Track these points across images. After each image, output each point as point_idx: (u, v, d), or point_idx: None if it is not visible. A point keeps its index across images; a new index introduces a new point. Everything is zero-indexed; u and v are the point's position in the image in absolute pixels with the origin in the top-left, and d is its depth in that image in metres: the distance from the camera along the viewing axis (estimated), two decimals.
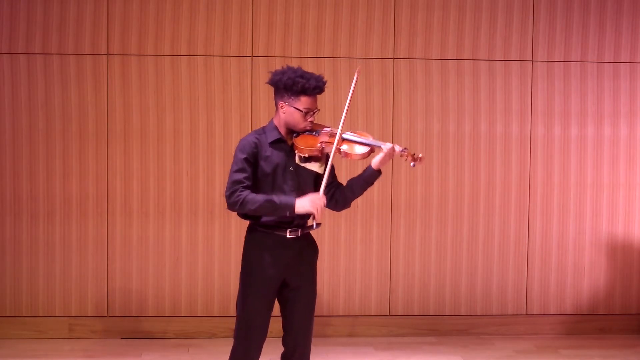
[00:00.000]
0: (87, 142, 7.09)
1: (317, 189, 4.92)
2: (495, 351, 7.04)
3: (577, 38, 7.33)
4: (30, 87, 7.05)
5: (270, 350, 5.49)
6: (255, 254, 4.94)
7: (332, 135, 4.89)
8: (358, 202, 7.04)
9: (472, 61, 7.29)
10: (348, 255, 7.29)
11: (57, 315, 7.15)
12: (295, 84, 4.83)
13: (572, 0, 7.31)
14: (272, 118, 5.00)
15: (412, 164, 4.86)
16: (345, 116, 4.89)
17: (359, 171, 5.00)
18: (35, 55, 7.04)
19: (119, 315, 7.18)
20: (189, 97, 7.14)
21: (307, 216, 4.94)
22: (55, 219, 7.09)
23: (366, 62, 7.21)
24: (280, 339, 5.10)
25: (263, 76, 7.01)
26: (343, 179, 5.11)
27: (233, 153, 6.69)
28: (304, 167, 4.92)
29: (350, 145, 4.90)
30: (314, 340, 5.19)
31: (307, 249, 5.02)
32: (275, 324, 5.11)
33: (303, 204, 4.81)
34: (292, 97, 4.87)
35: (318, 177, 4.94)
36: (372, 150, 4.89)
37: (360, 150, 4.88)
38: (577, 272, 7.45)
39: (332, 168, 5.01)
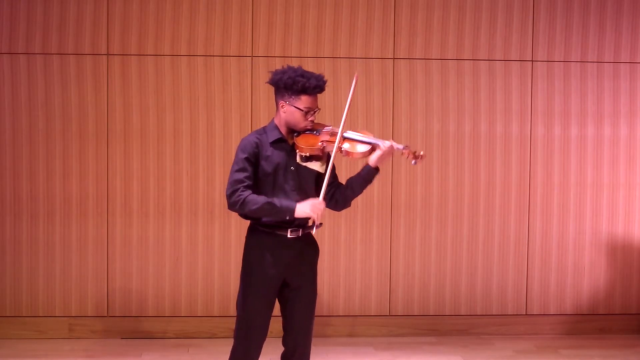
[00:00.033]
0: (87, 142, 7.09)
1: (318, 188, 4.92)
2: (495, 351, 7.04)
3: (577, 38, 7.33)
4: (30, 87, 7.05)
5: (270, 350, 5.49)
6: (256, 253, 4.94)
7: (333, 134, 4.89)
8: (358, 202, 7.05)
9: (472, 61, 7.29)
10: (348, 255, 7.29)
11: (57, 315, 7.15)
12: (295, 83, 4.83)
13: (572, 0, 7.31)
14: (273, 118, 5.00)
15: (413, 161, 4.86)
16: (346, 116, 4.89)
17: (359, 169, 5.00)
18: (35, 55, 7.04)
19: (119, 315, 7.18)
20: (189, 97, 7.14)
21: (308, 219, 4.94)
22: (55, 219, 7.09)
23: (366, 62, 7.21)
24: (280, 339, 5.10)
25: (263, 76, 7.01)
26: (343, 178, 5.11)
27: (233, 153, 6.70)
28: (305, 167, 4.92)
29: (351, 143, 4.90)
30: (314, 340, 5.20)
31: (308, 249, 5.02)
32: (276, 324, 5.11)
33: (303, 208, 4.82)
34: (293, 97, 4.87)
35: (319, 176, 4.94)
36: (374, 148, 4.89)
37: (362, 148, 4.88)
38: (577, 272, 7.45)
39: (333, 168, 5.01)
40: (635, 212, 7.45)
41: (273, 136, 4.94)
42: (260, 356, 5.05)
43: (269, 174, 4.90)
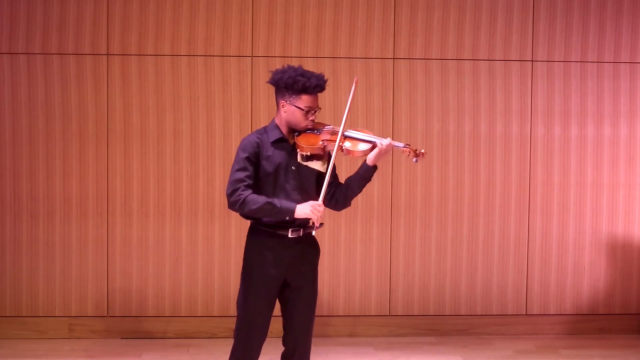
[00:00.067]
0: (87, 142, 7.09)
1: (319, 188, 4.92)
2: (495, 351, 7.04)
3: (577, 38, 7.33)
4: (30, 87, 7.05)
5: (271, 350, 5.49)
6: (256, 253, 4.94)
7: (334, 133, 4.89)
8: (358, 202, 7.05)
9: (472, 61, 7.29)
10: (348, 255, 7.29)
11: (57, 315, 7.15)
12: (296, 82, 4.83)
13: (572, 0, 7.31)
14: (274, 118, 5.00)
15: (414, 159, 4.87)
16: (346, 115, 4.89)
17: (358, 167, 5.00)
18: (35, 55, 7.04)
19: (119, 315, 7.18)
20: (189, 97, 7.14)
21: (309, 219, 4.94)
22: (55, 219, 7.09)
23: (366, 62, 7.21)
24: (281, 338, 5.10)
25: (263, 76, 7.02)
26: (342, 177, 5.11)
27: (233, 153, 6.70)
28: (306, 166, 4.92)
29: (352, 142, 4.90)
30: (314, 340, 5.20)
31: (309, 249, 5.02)
32: (275, 324, 5.11)
33: (303, 209, 4.82)
34: (293, 96, 4.87)
35: (320, 175, 4.94)
36: (375, 146, 4.89)
37: (363, 147, 4.89)
38: (577, 272, 7.45)
39: (334, 167, 5.00)
40: (635, 212, 7.45)
41: (274, 136, 4.93)
42: (260, 356, 5.05)
43: (270, 173, 4.89)
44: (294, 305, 5.01)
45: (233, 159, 4.98)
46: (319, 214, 4.82)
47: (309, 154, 4.90)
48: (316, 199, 4.89)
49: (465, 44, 7.28)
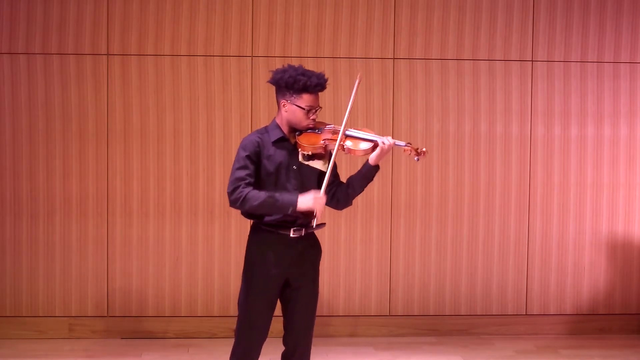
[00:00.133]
0: (87, 142, 7.09)
1: (320, 188, 4.91)
2: (495, 351, 7.04)
3: (577, 38, 7.34)
4: (30, 87, 7.05)
5: (271, 350, 5.49)
6: (258, 253, 4.94)
7: (335, 132, 4.89)
8: (358, 202, 7.05)
9: (472, 61, 7.29)
10: (348, 255, 7.29)
11: (57, 315, 7.15)
12: (296, 81, 4.83)
13: (572, 0, 7.32)
14: (274, 117, 5.00)
15: (416, 158, 4.86)
16: (348, 114, 4.89)
17: (359, 167, 5.00)
18: (35, 55, 7.04)
19: (119, 315, 7.17)
20: (189, 97, 7.14)
21: (310, 216, 4.93)
22: (55, 219, 7.09)
23: (366, 62, 7.21)
24: (281, 338, 5.10)
25: (263, 76, 7.02)
26: (343, 176, 5.11)
27: (233, 153, 6.69)
28: (307, 166, 4.92)
29: (353, 141, 4.90)
30: (314, 340, 5.19)
31: (311, 248, 5.02)
32: (276, 324, 5.10)
33: (305, 200, 4.81)
34: (294, 95, 4.87)
35: (321, 175, 4.93)
36: (376, 145, 4.88)
37: (364, 146, 4.88)
38: (577, 272, 7.45)
39: (335, 166, 5.01)
40: (635, 212, 7.45)
41: (275, 135, 4.93)
42: (261, 356, 5.05)
43: (271, 173, 4.89)
44: (294, 305, 5.01)
45: (233, 159, 4.98)
46: (321, 206, 4.81)
47: (310, 153, 4.90)
48: None
49: (465, 44, 7.28)
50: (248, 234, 5.02)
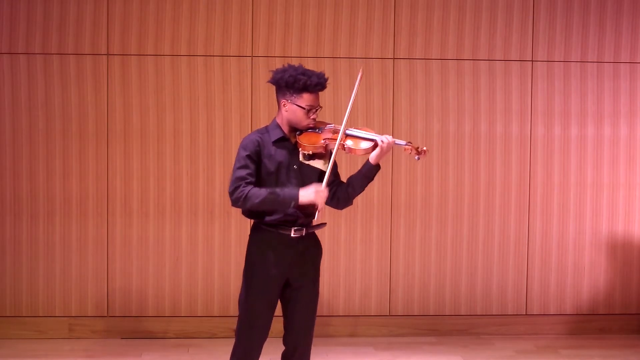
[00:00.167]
0: (87, 142, 7.09)
1: None
2: (495, 351, 7.03)
3: (577, 38, 7.34)
4: (30, 87, 7.05)
5: (271, 350, 5.49)
6: (258, 253, 4.93)
7: (336, 131, 4.89)
8: (358, 202, 7.04)
9: (472, 61, 7.29)
10: (348, 255, 7.29)
11: (57, 315, 7.15)
12: (297, 81, 4.83)
13: (572, 0, 7.32)
14: (275, 117, 5.00)
15: (416, 157, 4.86)
16: (349, 113, 4.89)
17: (359, 167, 5.00)
18: (35, 55, 7.04)
19: (119, 315, 7.17)
20: (189, 97, 7.14)
21: (311, 215, 4.93)
22: (55, 219, 7.09)
23: (366, 62, 7.21)
24: (281, 338, 5.09)
25: (263, 76, 7.02)
26: (343, 176, 5.11)
27: (233, 153, 6.69)
28: (307, 165, 4.92)
29: (354, 140, 4.90)
30: (314, 340, 5.19)
31: (311, 248, 5.01)
32: (276, 324, 5.10)
33: (307, 194, 4.80)
34: (294, 95, 4.87)
35: (322, 174, 4.92)
36: (376, 144, 4.88)
37: (365, 145, 4.88)
38: (577, 272, 7.45)
39: (335, 166, 5.01)
40: (635, 212, 7.45)
41: (275, 135, 4.93)
42: (261, 356, 5.04)
43: (272, 172, 4.89)
44: (295, 304, 5.00)
45: (233, 158, 4.98)
46: (323, 199, 4.81)
47: (310, 152, 4.90)
48: None
49: (465, 44, 7.28)
50: (248, 233, 5.02)
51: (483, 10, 7.27)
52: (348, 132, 4.91)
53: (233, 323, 5.12)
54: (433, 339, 7.31)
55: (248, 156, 4.86)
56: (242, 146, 4.90)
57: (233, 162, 4.97)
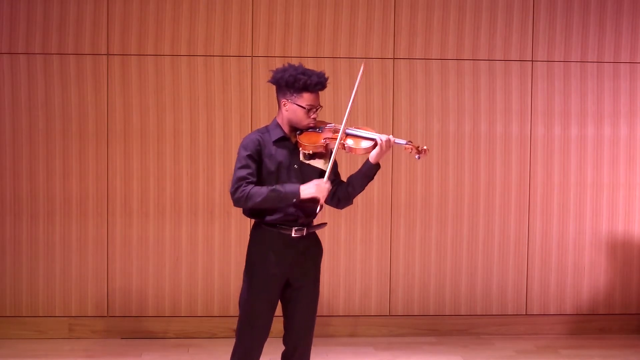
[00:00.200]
0: (87, 142, 7.09)
1: None
2: (495, 351, 7.03)
3: (577, 38, 7.34)
4: (30, 87, 7.05)
5: (271, 350, 5.48)
6: (259, 252, 4.93)
7: (336, 131, 4.89)
8: (358, 202, 7.04)
9: (472, 61, 7.29)
10: (348, 255, 7.29)
11: (57, 315, 7.15)
12: (297, 80, 4.83)
13: (572, 0, 7.32)
14: (275, 117, 5.00)
15: (417, 156, 4.86)
16: (349, 112, 4.89)
17: (359, 166, 4.99)
18: (35, 55, 7.04)
19: (119, 315, 7.17)
20: (189, 97, 7.14)
21: (312, 215, 4.93)
22: (55, 219, 7.09)
23: (366, 62, 7.20)
24: (281, 338, 5.09)
25: (263, 76, 7.02)
26: (343, 175, 5.11)
27: (233, 153, 6.69)
28: (308, 165, 4.92)
29: (354, 140, 4.90)
30: (314, 340, 5.19)
31: (312, 248, 5.01)
32: (276, 324, 5.10)
33: (308, 189, 4.80)
34: (295, 95, 4.87)
35: (322, 174, 4.92)
36: (377, 143, 4.88)
37: (365, 144, 4.88)
38: (577, 272, 7.45)
39: (335, 165, 5.01)
40: (635, 212, 7.45)
41: (276, 135, 4.93)
42: (261, 355, 5.05)
43: (273, 172, 4.89)
44: (295, 304, 5.00)
45: (233, 158, 4.98)
46: (325, 192, 4.80)
47: (311, 152, 4.90)
48: None
49: (465, 44, 7.28)
50: (249, 233, 5.02)
51: (483, 10, 7.27)
52: (348, 131, 4.90)
53: (233, 323, 5.12)
54: (433, 339, 7.31)
55: (249, 156, 4.86)
56: (243, 146, 4.90)
57: (233, 162, 4.97)
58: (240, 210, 5.00)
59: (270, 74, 4.97)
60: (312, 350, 5.14)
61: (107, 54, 7.07)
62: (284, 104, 4.91)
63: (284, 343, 5.09)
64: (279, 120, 4.96)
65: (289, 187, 4.82)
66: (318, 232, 5.04)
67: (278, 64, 6.65)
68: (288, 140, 4.94)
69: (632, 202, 7.44)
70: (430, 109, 7.28)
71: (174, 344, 7.07)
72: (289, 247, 4.91)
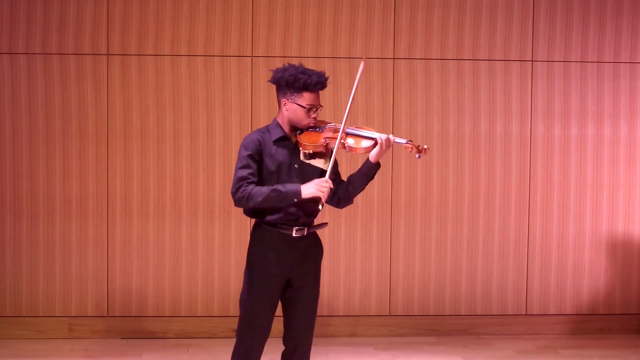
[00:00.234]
0: (87, 142, 7.09)
1: None
2: (495, 351, 7.03)
3: (577, 38, 7.34)
4: (30, 87, 7.05)
5: (271, 350, 5.48)
6: (259, 252, 4.93)
7: (336, 130, 4.89)
8: (358, 202, 7.05)
9: (472, 61, 7.29)
10: (348, 255, 7.29)
11: (57, 315, 7.15)
12: (297, 80, 4.83)
13: (572, 0, 7.32)
14: (275, 116, 5.00)
15: (417, 155, 4.85)
16: (349, 111, 4.89)
17: (359, 166, 4.99)
18: (35, 55, 7.04)
19: (119, 315, 7.17)
20: (189, 97, 7.14)
21: (313, 215, 4.93)
22: (55, 219, 7.09)
23: (366, 62, 7.18)
24: (281, 338, 5.09)
25: (263, 76, 7.02)
26: (343, 174, 5.11)
27: (233, 153, 6.69)
28: (308, 164, 4.92)
29: (355, 139, 4.90)
30: (314, 340, 5.19)
31: (313, 248, 5.01)
32: (276, 324, 5.09)
33: (309, 188, 4.80)
34: (295, 94, 4.87)
35: (323, 174, 4.92)
36: (377, 143, 4.88)
37: (365, 143, 4.88)
38: (577, 272, 7.45)
39: (336, 165, 5.01)
40: (635, 212, 7.45)
41: (276, 134, 4.93)
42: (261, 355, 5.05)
43: (273, 172, 4.89)
44: (295, 304, 5.00)
45: (233, 158, 4.98)
46: (326, 191, 4.80)
47: (311, 151, 4.90)
48: None
49: (465, 44, 7.28)
50: (249, 233, 5.02)
51: (483, 10, 7.27)
52: (348, 130, 4.90)
53: (233, 323, 5.12)
54: (433, 339, 7.31)
55: (250, 155, 4.86)
56: (244, 146, 4.90)
57: (233, 162, 4.97)
58: (240, 210, 5.00)
59: (271, 74, 4.97)
60: (312, 350, 5.14)
61: (107, 54, 7.07)
62: (284, 104, 4.91)
63: (284, 343, 5.09)
64: (279, 120, 4.96)
65: (289, 187, 4.82)
66: (318, 232, 5.04)
67: (278, 64, 6.65)
68: (288, 139, 4.94)
69: (632, 202, 7.44)
70: (430, 109, 7.28)
71: (174, 344, 7.07)
72: (290, 247, 4.91)
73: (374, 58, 7.22)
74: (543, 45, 7.31)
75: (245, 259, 5.02)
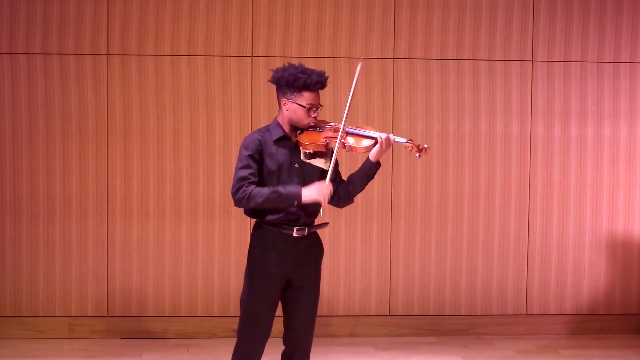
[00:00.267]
0: (87, 142, 7.09)
1: None
2: (495, 351, 7.03)
3: (577, 38, 7.34)
4: (30, 87, 7.05)
5: (272, 350, 5.48)
6: (260, 252, 4.93)
7: (337, 130, 4.89)
8: (358, 202, 7.05)
9: (472, 61, 7.29)
10: (348, 255, 7.29)
11: (57, 315, 7.15)
12: (297, 80, 4.83)
13: (572, 0, 7.32)
14: (276, 116, 5.00)
15: (417, 155, 4.86)
16: (349, 110, 4.89)
17: (359, 165, 4.99)
18: (35, 55, 7.04)
19: (119, 315, 7.17)
20: (189, 97, 7.14)
21: (314, 215, 4.94)
22: (55, 219, 7.09)
23: (366, 62, 7.20)
24: (281, 338, 5.09)
25: (263, 76, 7.02)
26: (343, 174, 5.11)
27: (233, 153, 6.70)
28: (309, 164, 4.92)
29: (355, 138, 4.90)
30: (314, 340, 5.19)
31: (313, 248, 5.01)
32: (276, 324, 5.09)
33: (310, 192, 4.80)
34: (295, 94, 4.87)
35: (323, 173, 4.93)
36: (377, 142, 4.88)
37: (366, 143, 4.88)
38: (577, 272, 7.45)
39: (336, 164, 5.01)
40: (635, 212, 7.45)
41: (276, 134, 4.93)
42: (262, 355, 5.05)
43: (273, 172, 4.89)
44: (296, 305, 5.00)
45: (233, 158, 4.98)
46: (327, 195, 4.80)
47: (311, 151, 4.90)
48: None
49: (465, 44, 7.28)
50: (249, 233, 5.02)
51: (483, 10, 7.27)
52: (349, 130, 4.90)
53: (233, 323, 5.13)
54: (433, 339, 7.31)
55: (250, 156, 4.86)
56: (244, 145, 4.90)
57: (233, 162, 4.97)
58: (240, 210, 5.00)
59: (271, 74, 4.97)
60: (312, 350, 5.14)
61: (107, 54, 7.07)
62: (285, 104, 4.91)
63: (284, 343, 5.09)
64: (280, 120, 4.96)
65: (290, 190, 4.82)
66: (318, 232, 5.03)
67: (278, 64, 6.65)
68: (289, 139, 4.94)
69: (632, 202, 7.44)
70: (430, 109, 7.28)
71: (174, 344, 7.07)
72: (291, 246, 4.91)
73: (374, 58, 7.22)
74: (543, 45, 7.31)
75: (245, 259, 5.02)
